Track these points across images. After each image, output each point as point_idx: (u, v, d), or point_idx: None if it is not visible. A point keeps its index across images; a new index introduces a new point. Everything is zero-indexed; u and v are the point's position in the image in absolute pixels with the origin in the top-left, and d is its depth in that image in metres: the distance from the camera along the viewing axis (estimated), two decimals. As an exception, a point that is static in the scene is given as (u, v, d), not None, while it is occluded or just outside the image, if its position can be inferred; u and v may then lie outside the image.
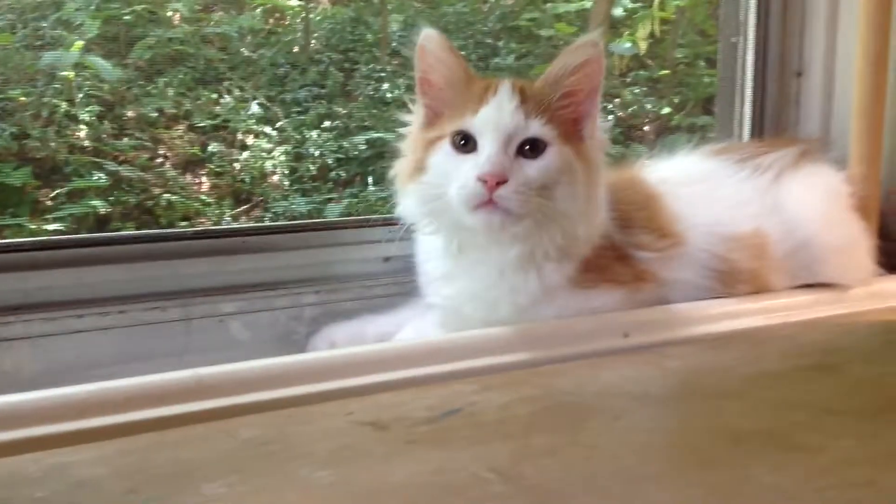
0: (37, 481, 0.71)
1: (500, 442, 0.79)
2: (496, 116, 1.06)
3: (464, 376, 0.98)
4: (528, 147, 1.06)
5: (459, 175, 1.06)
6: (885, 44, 1.33)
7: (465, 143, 1.08)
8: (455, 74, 1.13)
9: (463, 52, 4.96)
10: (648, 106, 4.96)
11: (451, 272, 1.16)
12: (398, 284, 1.28)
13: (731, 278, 1.21)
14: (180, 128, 4.42)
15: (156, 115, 4.31)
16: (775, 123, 1.54)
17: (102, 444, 0.79)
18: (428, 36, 1.12)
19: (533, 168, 1.06)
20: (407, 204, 1.16)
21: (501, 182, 1.03)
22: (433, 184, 1.10)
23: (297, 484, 0.72)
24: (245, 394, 0.89)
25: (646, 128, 4.95)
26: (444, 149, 1.10)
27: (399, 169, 1.19)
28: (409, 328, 1.19)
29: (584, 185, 1.09)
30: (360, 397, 0.90)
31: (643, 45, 4.67)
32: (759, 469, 0.73)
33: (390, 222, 1.20)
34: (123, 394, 0.86)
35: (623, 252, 1.17)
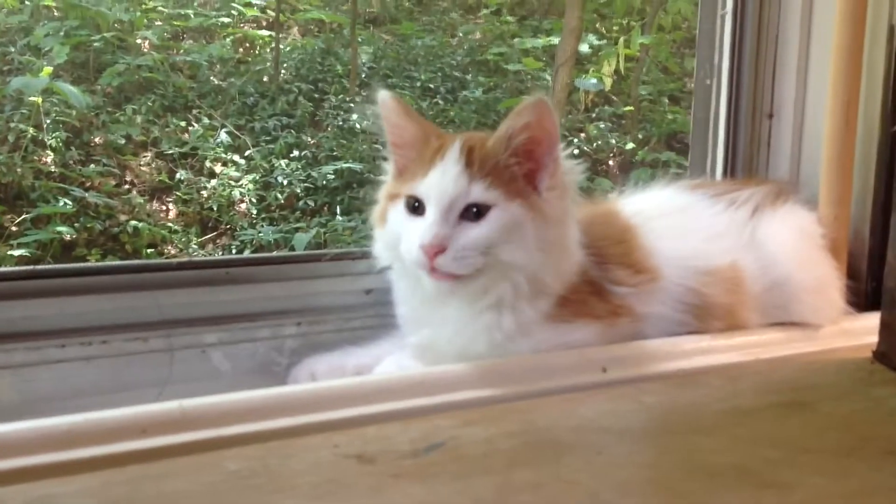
0: (24, 512, 0.72)
1: (484, 477, 0.80)
2: (440, 183, 1.09)
3: (445, 410, 0.99)
4: (474, 209, 1.09)
5: (407, 238, 1.11)
6: (856, 88, 1.36)
7: (417, 206, 1.12)
8: (411, 135, 1.17)
9: (431, 86, 5.00)
10: (613, 141, 5.02)
11: (425, 316, 1.18)
12: (378, 317, 1.29)
13: (706, 313, 1.22)
14: (148, 155, 4.40)
15: (123, 141, 4.30)
16: (747, 164, 1.56)
17: (87, 476, 0.80)
18: (383, 100, 1.17)
19: (473, 232, 1.08)
20: (377, 248, 1.21)
21: (441, 251, 1.06)
22: (389, 238, 1.16)
23: (283, 517, 0.73)
24: (230, 425, 0.90)
25: (610, 162, 5.01)
26: (399, 209, 1.14)
27: (373, 214, 1.23)
28: (389, 361, 1.20)
29: (537, 238, 1.11)
30: (345, 430, 0.91)
31: (608, 82, 4.73)
32: (735, 505, 0.75)
33: (371, 255, 1.22)
34: (108, 425, 0.86)
35: (599, 287, 1.19)
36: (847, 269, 1.40)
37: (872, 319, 1.19)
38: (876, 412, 0.98)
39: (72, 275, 1.15)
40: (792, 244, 1.31)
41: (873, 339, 1.16)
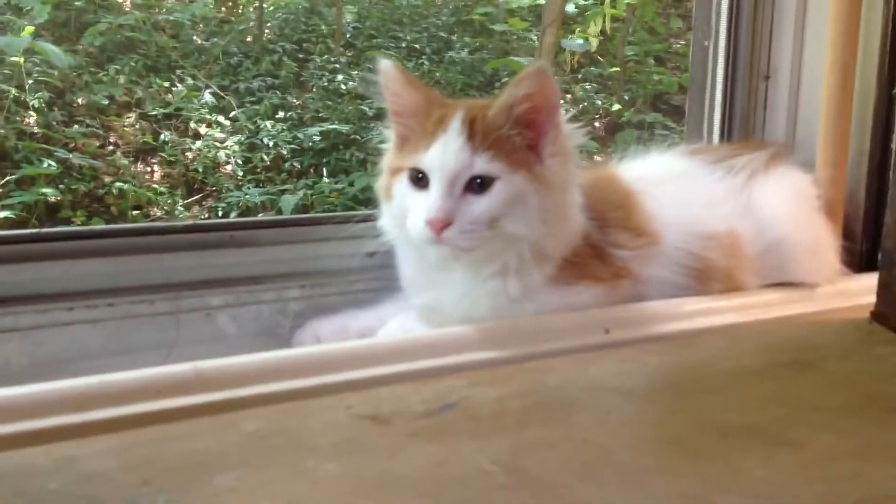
0: (48, 473, 0.72)
1: (498, 435, 0.82)
2: (442, 156, 1.09)
3: (455, 371, 1.00)
4: (477, 181, 1.09)
5: (413, 213, 1.10)
6: (853, 49, 1.37)
7: (420, 178, 1.11)
8: (414, 104, 1.16)
9: (416, 46, 4.97)
10: (599, 102, 5.02)
11: (430, 280, 1.19)
12: (381, 279, 1.29)
13: (706, 276, 1.24)
14: (131, 116, 4.36)
15: (106, 102, 4.26)
16: (744, 126, 1.57)
17: (108, 437, 0.80)
18: (385, 69, 1.15)
19: (479, 205, 1.09)
20: (384, 222, 1.21)
21: (447, 225, 1.06)
22: (396, 213, 1.15)
23: (305, 476, 0.74)
24: (245, 387, 0.91)
25: (596, 124, 5.02)
26: (403, 182, 1.14)
27: (378, 185, 1.23)
28: (393, 323, 1.21)
29: (541, 208, 1.12)
30: (357, 391, 0.92)
31: (594, 42, 4.72)
32: (749, 462, 0.76)
33: (374, 218, 1.23)
34: (124, 386, 0.87)
35: (600, 250, 1.20)
36: (842, 230, 1.42)
37: (869, 280, 1.21)
38: (878, 371, 1.00)
39: (77, 238, 1.15)
40: (787, 206, 1.33)
41: (870, 299, 1.17)
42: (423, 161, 1.11)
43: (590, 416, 0.87)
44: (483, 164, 1.09)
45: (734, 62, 1.56)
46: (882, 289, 1.15)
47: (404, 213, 1.13)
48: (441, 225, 1.06)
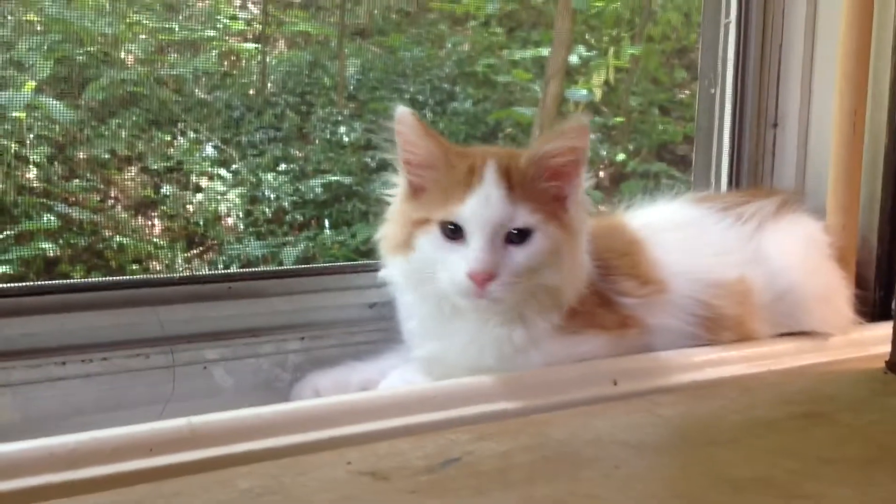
0: (33, 535, 0.70)
1: (504, 492, 0.79)
2: (484, 209, 1.07)
3: (457, 425, 0.97)
4: (515, 232, 1.07)
5: (448, 265, 1.07)
6: (862, 95, 1.37)
7: (455, 231, 1.08)
8: (432, 154, 1.13)
9: (420, 98, 5.02)
10: (604, 152, 5.03)
11: (436, 330, 1.16)
12: (382, 331, 1.27)
13: (716, 325, 1.22)
14: (132, 170, 4.37)
15: (108, 156, 4.27)
16: (752, 174, 1.56)
17: (97, 496, 0.78)
18: (401, 117, 1.12)
19: (521, 256, 1.07)
20: (393, 273, 1.17)
21: (491, 278, 1.04)
22: (421, 267, 1.11)
23: (301, 537, 0.71)
24: (240, 442, 0.88)
25: (601, 174, 5.02)
26: (433, 234, 1.10)
27: (384, 236, 1.19)
28: (394, 375, 1.17)
29: (568, 255, 1.11)
30: (357, 446, 0.90)
31: (598, 93, 4.74)
32: (765, 519, 0.74)
33: (375, 268, 1.20)
34: (116, 443, 0.84)
35: (607, 298, 1.18)
36: (855, 277, 1.40)
37: (882, 329, 1.20)
38: (894, 422, 0.98)
39: (71, 290, 1.12)
40: (799, 254, 1.32)
41: (884, 349, 1.16)
42: (460, 213, 1.07)
43: (598, 471, 0.84)
44: (524, 217, 1.07)
45: (741, 109, 1.55)
46: (897, 338, 1.13)
47: (431, 266, 1.09)
48: (485, 277, 1.04)
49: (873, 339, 1.24)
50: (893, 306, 1.14)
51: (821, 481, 0.82)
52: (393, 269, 1.17)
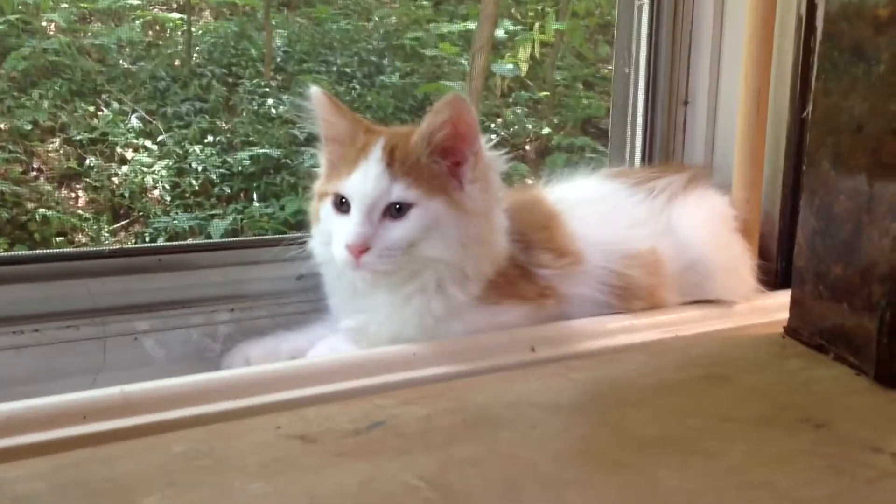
0: (-26, 498, 0.72)
1: (425, 452, 0.83)
2: (363, 183, 1.12)
3: (383, 390, 1.01)
4: (396, 207, 1.12)
5: (336, 237, 1.14)
6: (766, 75, 1.43)
7: (343, 204, 1.15)
8: (341, 130, 1.19)
9: (347, 70, 4.96)
10: (529, 126, 5.08)
11: (355, 303, 1.21)
12: (310, 302, 1.30)
13: (628, 294, 1.27)
14: (56, 141, 4.29)
15: (30, 127, 4.18)
16: (664, 149, 1.62)
17: (36, 461, 0.80)
18: (314, 96, 1.18)
19: (396, 230, 1.12)
20: (313, 244, 1.23)
21: (365, 250, 1.10)
22: (321, 237, 1.19)
23: (232, 496, 0.74)
24: (173, 409, 0.91)
25: (527, 147, 5.08)
26: (328, 207, 1.17)
27: (310, 208, 1.25)
28: (322, 345, 1.21)
29: (459, 233, 1.15)
30: (286, 412, 0.93)
31: (524, 67, 4.79)
32: (665, 472, 0.79)
33: (303, 241, 1.24)
34: (51, 411, 0.87)
35: (525, 270, 1.23)
36: (758, 249, 1.47)
37: (783, 297, 1.24)
38: (790, 383, 1.04)
39: (1, 263, 1.14)
40: (706, 227, 1.38)
41: (784, 315, 1.21)
42: (345, 187, 1.14)
43: (515, 431, 0.89)
44: (400, 192, 1.12)
45: (654, 88, 1.61)
46: (794, 305, 1.20)
47: (329, 236, 1.16)
48: (359, 250, 1.10)
49: (774, 307, 1.30)
50: (793, 275, 1.20)
51: (719, 438, 0.87)
52: (313, 238, 1.23)
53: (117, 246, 1.61)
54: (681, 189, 1.39)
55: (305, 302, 1.32)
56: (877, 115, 1.03)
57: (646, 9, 1.59)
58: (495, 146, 1.22)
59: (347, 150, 1.18)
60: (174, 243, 1.37)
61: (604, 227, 1.30)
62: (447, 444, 0.85)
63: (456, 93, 1.13)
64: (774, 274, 1.49)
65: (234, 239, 1.56)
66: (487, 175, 1.19)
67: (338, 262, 1.13)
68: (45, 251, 1.23)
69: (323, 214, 1.18)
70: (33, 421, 0.85)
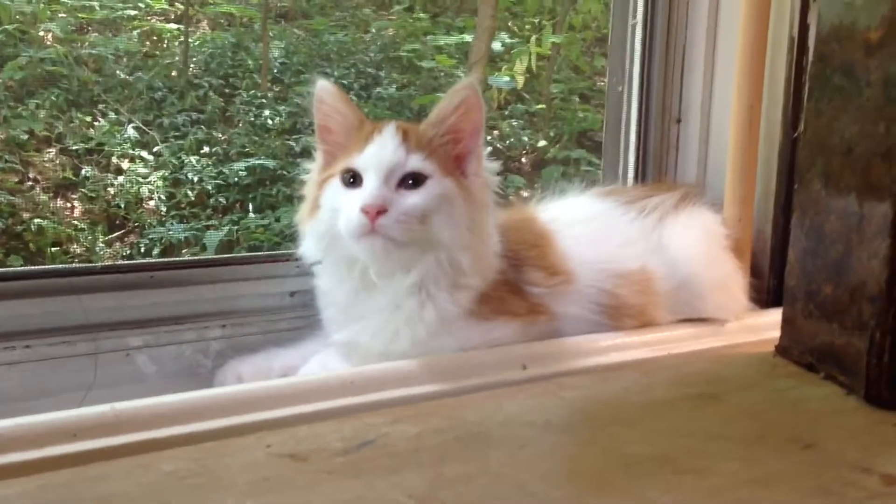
0: (-39, 519, 0.72)
1: (415, 471, 0.83)
2: (378, 153, 1.14)
3: (374, 408, 1.01)
4: (409, 180, 1.14)
5: (346, 208, 1.13)
6: (759, 94, 1.43)
7: (353, 179, 1.16)
8: (348, 121, 1.21)
9: (344, 82, 4.98)
10: (525, 138, 5.09)
11: (350, 313, 1.21)
12: (303, 318, 1.31)
13: (619, 312, 1.28)
14: (52, 151, 4.29)
15: (26, 137, 4.18)
16: (657, 167, 1.63)
17: (23, 480, 0.80)
18: (322, 87, 1.20)
19: (413, 198, 1.13)
20: (307, 244, 1.23)
21: (382, 212, 1.10)
22: (325, 219, 1.18)
23: (222, 515, 0.75)
24: (163, 428, 0.91)
25: (523, 159, 5.09)
26: (334, 185, 1.18)
27: (300, 211, 1.26)
28: (314, 361, 1.22)
29: (465, 217, 1.17)
30: (276, 430, 0.93)
31: (521, 80, 4.79)
32: (654, 492, 0.80)
33: (296, 258, 1.24)
34: (41, 429, 0.87)
35: (517, 288, 1.23)
36: (750, 267, 1.47)
37: (774, 315, 1.24)
38: (779, 403, 1.04)
39: (-6, 279, 1.14)
40: (697, 245, 1.38)
41: (775, 334, 1.22)
42: (356, 161, 1.15)
43: (506, 450, 0.89)
44: (417, 162, 1.14)
45: (647, 106, 1.62)
46: (785, 324, 1.20)
47: (335, 214, 1.16)
48: (377, 211, 1.10)
49: (766, 325, 1.30)
50: (784, 294, 1.20)
51: (710, 457, 0.87)
52: (307, 240, 1.23)
53: (110, 262, 1.61)
54: (672, 207, 1.40)
55: (297, 319, 1.32)
56: (866, 136, 1.04)
57: (639, 27, 1.60)
58: (490, 155, 1.24)
59: (354, 136, 1.19)
60: (166, 259, 1.36)
61: (595, 246, 1.31)
62: (437, 463, 0.85)
63: (470, 80, 1.16)
64: (766, 292, 1.50)
65: (227, 255, 1.56)
66: (486, 176, 1.22)
67: (348, 230, 1.12)
68: (36, 267, 1.22)
69: (326, 196, 1.18)
70: (22, 439, 0.85)
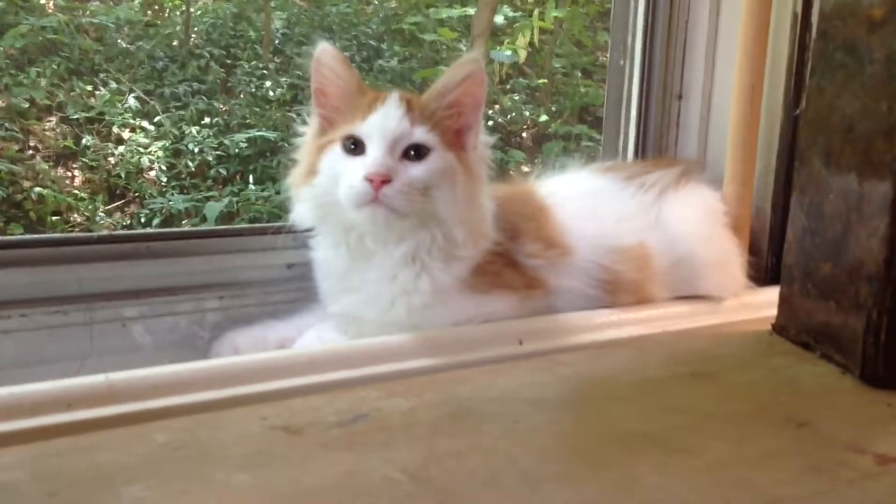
0: (-46, 486, 0.72)
1: (408, 445, 0.83)
2: (383, 122, 1.13)
3: (369, 382, 1.01)
4: (412, 152, 1.13)
5: (348, 175, 1.12)
6: (761, 72, 1.43)
7: (355, 146, 1.15)
8: (348, 86, 1.19)
9: (347, 53, 4.94)
10: (527, 113, 5.08)
11: (346, 283, 1.21)
12: (300, 290, 1.30)
13: (616, 288, 1.28)
14: (52, 119, 4.27)
15: (27, 105, 4.16)
16: (657, 143, 1.62)
17: (17, 449, 0.80)
18: (324, 50, 1.18)
19: (416, 169, 1.13)
20: (300, 209, 1.22)
21: (386, 181, 1.09)
22: (324, 185, 1.17)
23: (215, 487, 0.75)
24: (157, 398, 0.91)
25: (524, 134, 5.08)
26: (335, 152, 1.16)
27: (293, 175, 1.24)
28: (311, 334, 1.22)
29: (463, 190, 1.16)
30: (271, 402, 0.93)
31: (522, 54, 4.77)
32: (645, 469, 0.80)
33: (293, 229, 1.24)
34: (35, 398, 0.87)
35: (513, 259, 1.23)
36: (749, 245, 1.47)
37: (772, 294, 1.25)
38: (775, 381, 1.04)
39: (-10, 247, 1.14)
40: (696, 222, 1.38)
41: (772, 312, 1.22)
42: (360, 128, 1.14)
43: (499, 426, 0.89)
44: (422, 134, 1.14)
45: (648, 81, 1.61)
46: (783, 302, 1.20)
47: (334, 182, 1.14)
48: (381, 179, 1.09)
49: (763, 303, 1.30)
50: (782, 272, 1.20)
51: (702, 436, 0.88)
52: (300, 205, 1.21)
53: (106, 232, 1.61)
54: (672, 184, 1.39)
55: (294, 291, 1.31)
56: (868, 114, 1.03)
57: (642, 2, 1.59)
58: (487, 129, 1.24)
59: (354, 103, 1.18)
60: (162, 230, 1.36)
61: (593, 221, 1.31)
62: (430, 438, 0.85)
63: (474, 53, 1.16)
64: (764, 270, 1.50)
65: (224, 227, 1.56)
66: (483, 150, 1.22)
67: (349, 198, 1.12)
68: (33, 236, 1.22)
69: (326, 162, 1.17)
70: (16, 408, 0.85)
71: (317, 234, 1.24)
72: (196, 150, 4.24)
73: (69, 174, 4.18)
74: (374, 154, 1.11)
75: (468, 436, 0.86)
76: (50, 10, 4.70)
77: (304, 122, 1.25)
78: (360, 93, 1.19)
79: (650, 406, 0.96)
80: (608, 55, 1.67)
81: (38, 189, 3.83)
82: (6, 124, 4.07)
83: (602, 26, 5.55)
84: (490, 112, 4.83)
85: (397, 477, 0.77)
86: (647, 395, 1.00)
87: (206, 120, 4.43)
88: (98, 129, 4.28)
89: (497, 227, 1.22)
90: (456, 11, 5.42)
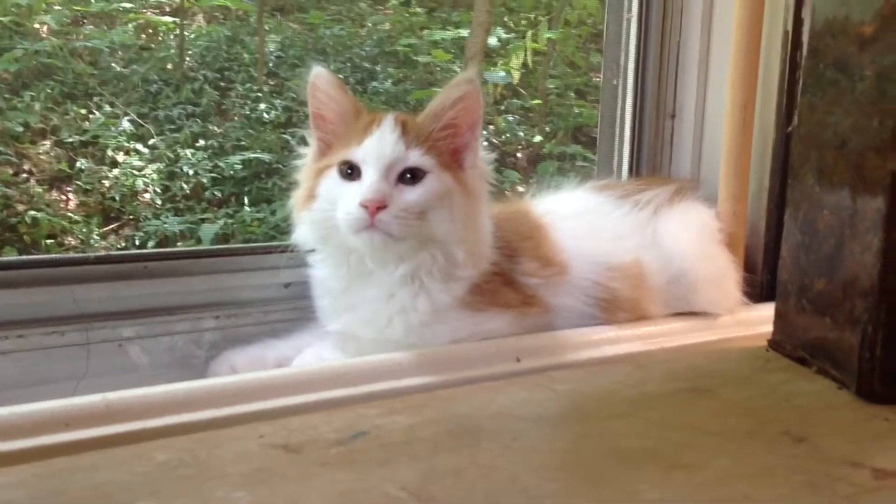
0: (-47, 507, 0.72)
1: (408, 463, 0.83)
2: (378, 147, 1.14)
3: (367, 400, 1.02)
4: (408, 175, 1.14)
5: (345, 201, 1.13)
6: (753, 90, 1.44)
7: (351, 171, 1.15)
8: (344, 109, 1.20)
9: (341, 75, 4.96)
10: (521, 133, 5.09)
11: (344, 301, 1.21)
12: (297, 310, 1.31)
13: (612, 305, 1.28)
14: (47, 143, 4.27)
15: (21, 129, 4.16)
16: (651, 162, 1.63)
17: (17, 469, 0.80)
18: (318, 74, 1.19)
19: (412, 194, 1.13)
20: (301, 231, 1.22)
21: (381, 207, 1.10)
22: (322, 209, 1.17)
23: (215, 505, 0.75)
24: (155, 418, 0.91)
25: (518, 154, 5.09)
26: (332, 177, 1.17)
27: (294, 198, 1.25)
28: (308, 352, 1.22)
29: (461, 211, 1.17)
30: (270, 421, 0.93)
31: (516, 75, 4.79)
32: (645, 486, 0.79)
33: (290, 249, 1.24)
34: (33, 418, 0.87)
35: (510, 278, 1.24)
36: (744, 262, 1.47)
37: (767, 310, 1.25)
38: (772, 397, 1.04)
39: (-14, 269, 1.14)
40: (691, 239, 1.38)
41: (768, 328, 1.22)
42: (356, 153, 1.14)
43: (498, 443, 0.89)
44: (417, 157, 1.14)
45: (642, 101, 1.62)
46: (778, 318, 1.20)
47: (332, 206, 1.15)
48: (376, 206, 1.09)
49: (759, 319, 1.31)
50: (777, 289, 1.20)
51: (701, 452, 0.88)
52: (301, 227, 1.22)
53: (103, 252, 1.61)
54: (667, 202, 1.40)
55: (292, 310, 1.32)
56: (859, 131, 1.04)
57: (634, 21, 1.60)
58: (485, 147, 1.25)
59: (350, 126, 1.19)
60: (159, 250, 1.37)
61: (589, 240, 1.31)
62: (430, 455, 0.85)
63: (470, 72, 1.18)
64: (759, 287, 1.50)
65: (221, 246, 1.56)
66: (482, 168, 1.22)
67: (346, 224, 1.12)
68: (30, 257, 1.22)
69: (324, 187, 1.17)
70: (14, 428, 0.85)
71: (318, 253, 1.24)
72: (191, 172, 4.23)
73: (63, 197, 4.17)
74: (370, 180, 1.12)
75: (467, 453, 0.86)
76: (44, 35, 4.71)
77: (303, 143, 1.26)
78: (356, 116, 1.20)
79: (649, 422, 0.96)
80: (601, 75, 1.68)
81: (32, 212, 3.83)
82: (0, 148, 4.07)
83: (595, 47, 5.58)
84: (485, 132, 4.83)
85: (397, 494, 0.77)
86: (645, 411, 0.99)
87: (201, 142, 4.43)
88: (92, 152, 4.28)
89: (494, 246, 1.23)
90: (450, 33, 5.45)
